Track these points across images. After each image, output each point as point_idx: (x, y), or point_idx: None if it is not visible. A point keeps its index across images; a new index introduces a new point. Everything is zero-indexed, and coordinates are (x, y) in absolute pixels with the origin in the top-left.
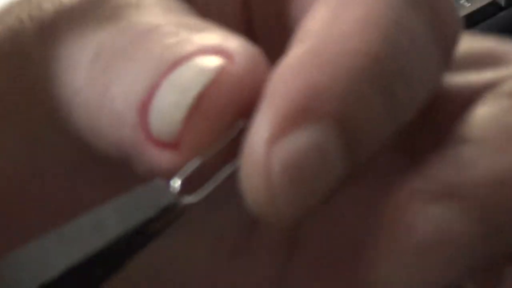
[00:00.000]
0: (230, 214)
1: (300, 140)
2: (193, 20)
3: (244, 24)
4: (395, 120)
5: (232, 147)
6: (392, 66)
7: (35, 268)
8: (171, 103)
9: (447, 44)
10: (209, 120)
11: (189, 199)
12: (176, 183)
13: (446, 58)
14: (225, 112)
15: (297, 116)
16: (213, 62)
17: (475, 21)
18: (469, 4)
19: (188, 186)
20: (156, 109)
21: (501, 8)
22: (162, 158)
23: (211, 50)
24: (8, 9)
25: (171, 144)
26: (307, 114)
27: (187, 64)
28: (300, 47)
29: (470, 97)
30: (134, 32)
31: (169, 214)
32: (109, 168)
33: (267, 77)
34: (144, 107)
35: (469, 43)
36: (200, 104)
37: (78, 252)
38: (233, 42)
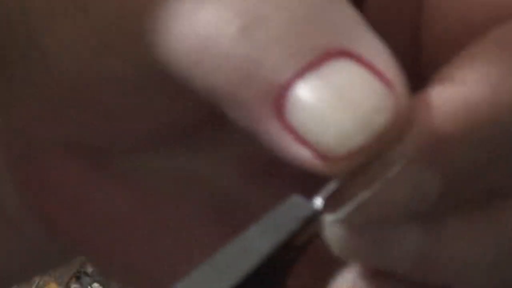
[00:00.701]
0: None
1: (411, 182)
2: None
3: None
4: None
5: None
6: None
7: None
8: (340, 120)
9: None
10: (372, 153)
11: (330, 217)
12: (318, 200)
13: None
14: (388, 149)
15: (422, 162)
16: (387, 96)
17: None
18: None
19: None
20: (308, 104)
21: None
22: (300, 156)
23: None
24: None
25: (324, 155)
26: (431, 163)
27: (354, 72)
28: (455, 92)
29: None
30: None
31: (312, 226)
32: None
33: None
34: (284, 88)
35: None
36: (373, 141)
37: (232, 277)
38: (393, 69)
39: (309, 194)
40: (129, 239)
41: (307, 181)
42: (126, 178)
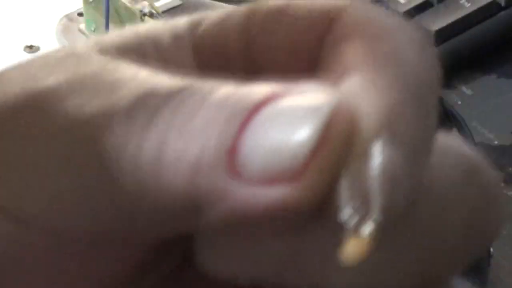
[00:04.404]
0: None
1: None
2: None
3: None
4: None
5: None
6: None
7: None
8: (283, 137)
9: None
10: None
11: None
12: None
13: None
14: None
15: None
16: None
17: (475, 21)
18: (469, 4)
19: None
20: (254, 149)
21: (501, 8)
22: (272, 195)
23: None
24: None
25: (288, 178)
26: (385, 134)
27: (278, 105)
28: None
29: None
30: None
31: None
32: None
33: None
34: (231, 152)
35: None
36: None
37: None
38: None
39: None
40: None
41: None
42: None
